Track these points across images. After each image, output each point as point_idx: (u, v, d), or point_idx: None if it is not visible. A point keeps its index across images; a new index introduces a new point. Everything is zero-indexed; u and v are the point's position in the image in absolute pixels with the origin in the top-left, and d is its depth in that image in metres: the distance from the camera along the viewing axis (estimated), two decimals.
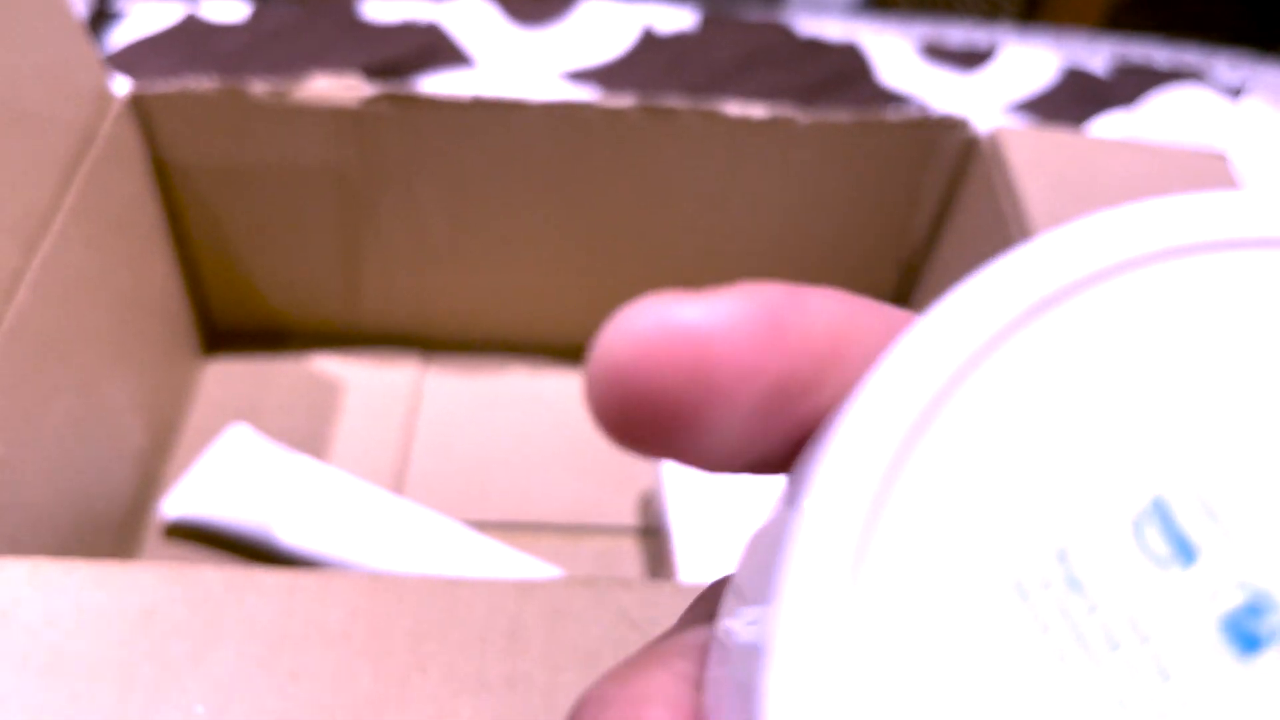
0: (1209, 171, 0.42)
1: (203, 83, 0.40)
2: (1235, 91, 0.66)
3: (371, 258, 0.46)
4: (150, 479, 0.43)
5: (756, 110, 0.41)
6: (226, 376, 0.48)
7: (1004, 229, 0.39)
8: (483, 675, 0.25)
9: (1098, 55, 0.75)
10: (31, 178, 0.35)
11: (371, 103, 0.41)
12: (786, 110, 0.41)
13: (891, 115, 0.41)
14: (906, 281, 0.48)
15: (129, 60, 0.60)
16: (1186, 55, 0.79)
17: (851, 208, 0.44)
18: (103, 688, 0.24)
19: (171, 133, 0.42)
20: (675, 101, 0.41)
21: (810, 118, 0.41)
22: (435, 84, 0.62)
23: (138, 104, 0.40)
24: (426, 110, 0.41)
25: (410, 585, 0.27)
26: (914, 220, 0.45)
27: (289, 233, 0.45)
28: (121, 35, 0.63)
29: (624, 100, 0.41)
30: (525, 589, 0.27)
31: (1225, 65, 0.76)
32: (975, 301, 0.10)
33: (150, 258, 0.43)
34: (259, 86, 0.40)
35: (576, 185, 0.43)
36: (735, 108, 0.41)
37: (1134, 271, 0.10)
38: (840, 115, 0.41)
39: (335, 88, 0.41)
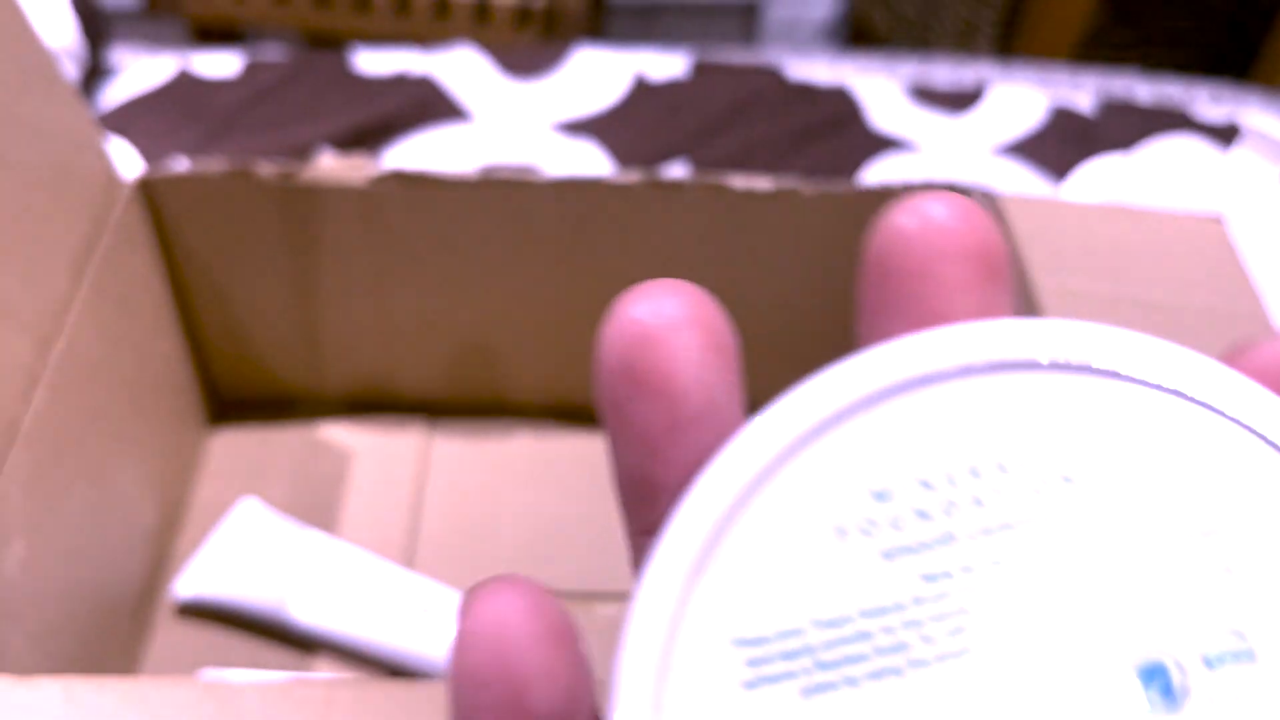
0: (1206, 236, 0.42)
1: (210, 165, 0.40)
2: (1221, 132, 0.67)
3: (376, 328, 0.46)
4: (162, 557, 0.43)
5: (761, 183, 0.41)
6: (234, 447, 0.48)
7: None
8: None
9: (1082, 90, 0.76)
10: (44, 271, 0.35)
11: (379, 182, 0.41)
12: (790, 182, 0.41)
13: (895, 184, 0.42)
14: None
15: (124, 120, 0.60)
16: (1168, 88, 0.80)
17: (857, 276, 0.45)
18: None
19: (180, 215, 0.42)
20: (680, 174, 0.41)
21: (815, 189, 0.42)
22: (432, 140, 0.62)
23: (146, 188, 0.40)
24: (434, 188, 0.41)
25: (440, 690, 0.27)
26: None
27: (295, 307, 0.45)
28: (115, 93, 0.63)
29: (631, 176, 0.41)
30: None
31: (1206, 98, 0.78)
32: (790, 411, 0.12)
33: (158, 337, 0.43)
34: (267, 168, 0.40)
35: (583, 257, 0.44)
36: (740, 181, 0.41)
37: (923, 389, 0.12)
38: (843, 186, 0.42)
39: (343, 168, 0.41)
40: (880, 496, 0.12)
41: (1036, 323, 0.12)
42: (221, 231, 0.42)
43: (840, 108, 0.69)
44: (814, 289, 0.45)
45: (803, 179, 0.42)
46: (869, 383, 0.12)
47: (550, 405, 0.50)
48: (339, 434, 0.49)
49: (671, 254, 0.43)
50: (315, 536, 0.43)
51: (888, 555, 0.12)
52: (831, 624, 0.12)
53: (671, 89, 0.68)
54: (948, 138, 0.67)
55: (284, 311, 0.46)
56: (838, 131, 0.67)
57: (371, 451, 0.49)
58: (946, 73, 0.78)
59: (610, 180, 0.41)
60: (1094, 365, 0.12)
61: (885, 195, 0.42)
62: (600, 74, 0.68)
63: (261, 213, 0.42)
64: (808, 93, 0.70)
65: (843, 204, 0.42)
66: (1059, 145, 0.67)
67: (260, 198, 0.41)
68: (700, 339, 0.13)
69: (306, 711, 0.27)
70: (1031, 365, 0.12)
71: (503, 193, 0.41)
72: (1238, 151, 0.58)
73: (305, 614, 0.41)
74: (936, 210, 0.13)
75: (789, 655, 0.12)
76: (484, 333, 0.47)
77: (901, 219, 0.14)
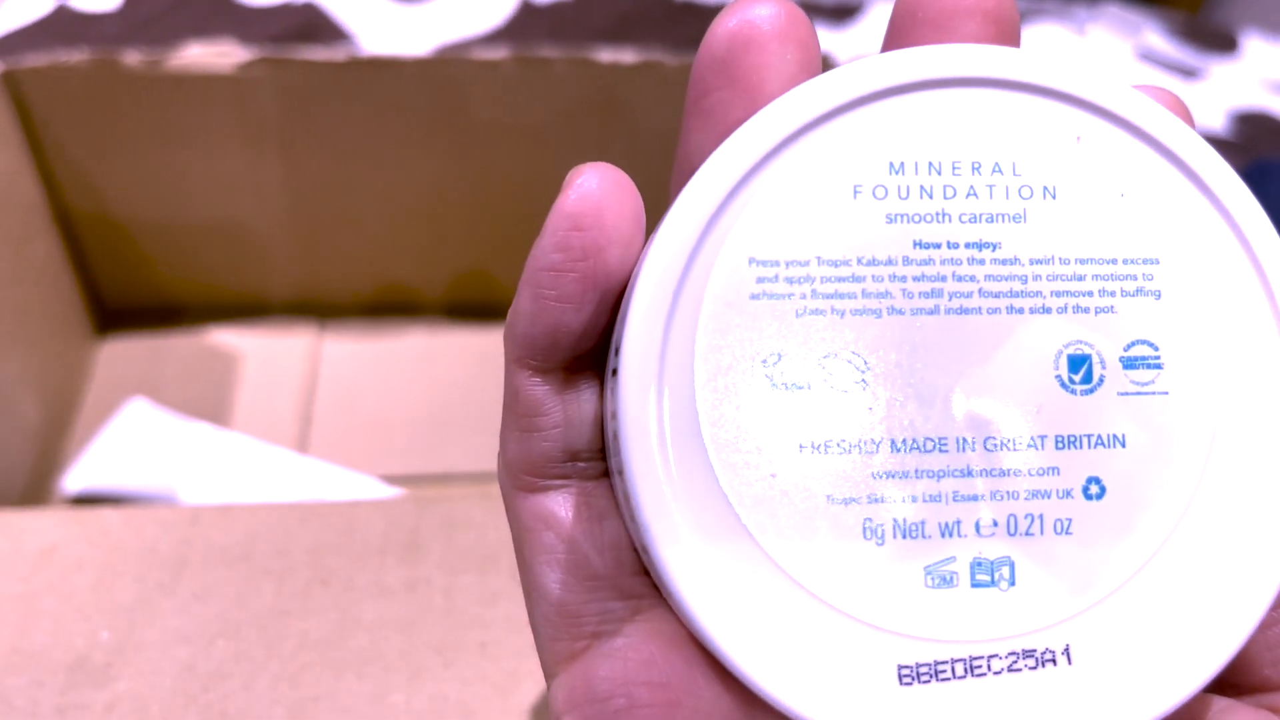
0: None
1: (74, 55, 0.40)
2: (1080, 26, 0.70)
3: (258, 226, 0.47)
4: (48, 457, 0.43)
5: (627, 55, 0.42)
6: (122, 355, 0.48)
7: None
8: (383, 583, 0.26)
9: None
10: None
11: (247, 68, 0.41)
12: (656, 54, 0.43)
13: None
14: None
15: (1, 53, 0.59)
16: (1045, 4, 0.82)
17: None
18: (4, 623, 0.25)
19: (46, 109, 0.41)
20: (548, 51, 0.42)
21: (679, 61, 0.43)
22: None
23: (9, 80, 0.40)
24: (303, 72, 0.41)
25: (310, 509, 0.28)
26: None
27: (172, 205, 0.46)
28: None
29: (498, 52, 0.42)
30: (423, 503, 0.28)
31: (1082, 9, 0.80)
32: (824, 86, 0.14)
33: (32, 236, 0.43)
34: (132, 57, 0.40)
35: (457, 140, 0.44)
36: (606, 54, 0.42)
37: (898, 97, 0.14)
38: None
39: (210, 55, 0.41)
40: (894, 168, 0.14)
41: (1048, 54, 0.15)
42: (92, 127, 0.42)
43: None
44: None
45: (666, 50, 0.43)
46: (899, 74, 0.14)
47: (440, 301, 0.51)
48: (228, 339, 0.49)
49: (543, 131, 0.44)
50: (204, 428, 0.44)
51: (890, 218, 0.14)
52: (833, 264, 0.14)
53: (557, 9, 0.69)
54: (829, 48, 0.69)
55: (161, 210, 0.46)
56: None
57: (261, 354, 0.49)
58: None
59: (477, 58, 0.42)
60: (1084, 98, 0.14)
61: None
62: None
63: (130, 105, 0.42)
64: (692, 9, 0.71)
65: None
66: None
67: (127, 87, 0.41)
68: (796, 54, 0.15)
69: (170, 528, 0.27)
70: (1033, 88, 0.14)
71: (371, 74, 0.42)
72: (1092, 30, 0.61)
73: (197, 499, 0.41)
74: None
75: (792, 280, 0.14)
76: (367, 226, 0.47)
77: None
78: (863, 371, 0.14)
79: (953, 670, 0.13)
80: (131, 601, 0.25)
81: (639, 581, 0.16)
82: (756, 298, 0.14)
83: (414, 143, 0.44)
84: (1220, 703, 0.15)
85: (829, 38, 0.70)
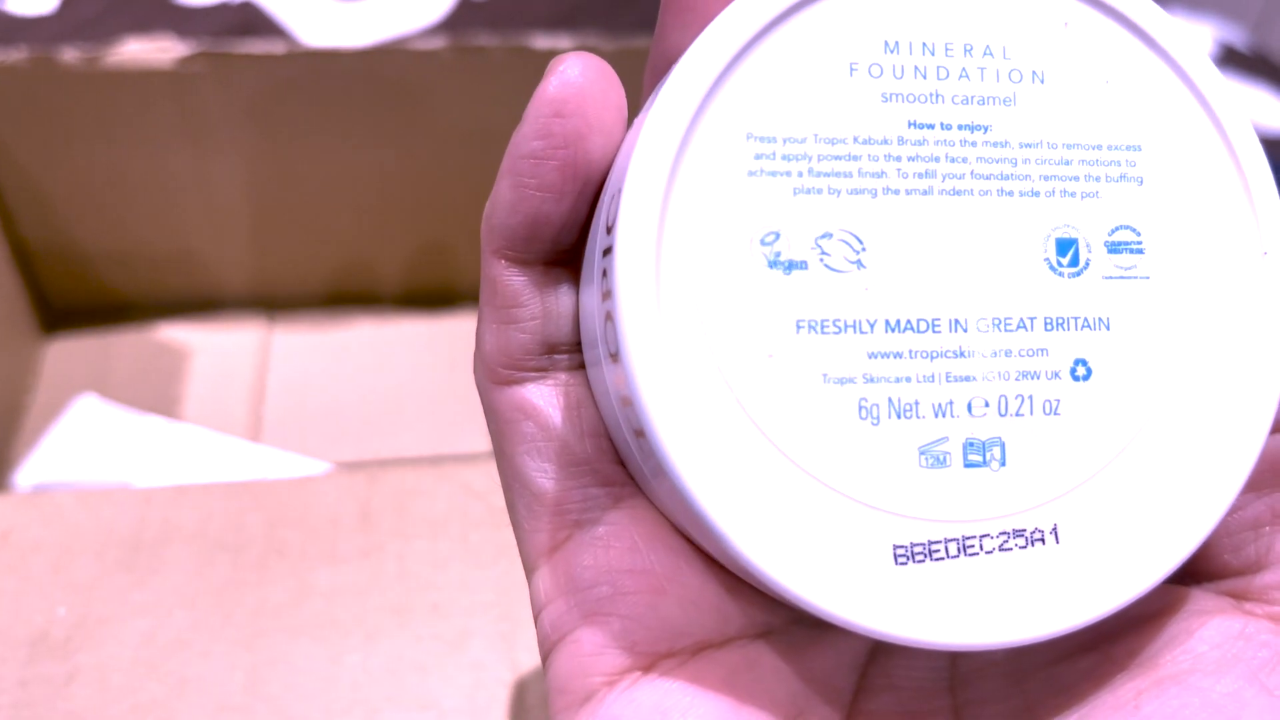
0: None
1: (11, 54, 0.40)
2: None
3: (203, 221, 0.47)
4: None
5: (564, 41, 0.43)
6: (69, 354, 0.49)
7: None
8: (337, 551, 0.27)
9: None
10: None
11: (186, 62, 0.42)
12: (591, 39, 0.43)
13: None
14: None
15: None
16: None
17: None
18: None
19: None
20: (485, 40, 0.43)
21: (615, 44, 0.44)
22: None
23: None
24: (242, 66, 0.42)
25: (264, 486, 0.29)
26: None
27: (116, 202, 0.46)
28: None
29: (436, 42, 0.42)
30: (374, 475, 0.29)
31: None
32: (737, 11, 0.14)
33: None
34: (70, 54, 0.41)
35: (398, 128, 0.45)
36: (543, 41, 0.43)
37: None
38: (643, 42, 0.44)
39: (148, 50, 0.41)
40: (889, 47, 0.14)
41: None
42: (31, 127, 0.43)
43: None
44: None
45: (604, 36, 0.44)
46: None
47: (388, 290, 0.51)
48: (177, 334, 0.50)
49: (482, 119, 0.45)
50: (156, 420, 0.44)
51: (885, 98, 0.14)
52: (829, 142, 0.14)
53: (497, 3, 0.70)
54: None
55: (106, 210, 0.46)
56: None
57: (211, 348, 0.49)
58: None
59: (415, 47, 0.42)
60: None
61: None
62: None
63: (70, 102, 0.42)
64: (632, 1, 0.72)
65: (642, 58, 0.44)
66: None
67: (66, 86, 0.41)
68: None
69: (125, 508, 0.28)
70: None
71: (311, 65, 0.42)
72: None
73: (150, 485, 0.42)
74: None
75: (789, 158, 0.14)
76: (313, 218, 0.48)
77: None
78: (859, 251, 0.14)
79: (946, 550, 0.14)
80: (89, 579, 0.26)
81: (619, 470, 0.16)
82: (754, 174, 0.14)
83: (357, 134, 0.45)
84: (1194, 595, 0.16)
85: None
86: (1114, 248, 0.15)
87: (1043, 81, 0.15)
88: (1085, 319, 0.14)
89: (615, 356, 0.14)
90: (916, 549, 0.14)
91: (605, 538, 0.15)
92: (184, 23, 0.64)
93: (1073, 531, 0.14)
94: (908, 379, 0.14)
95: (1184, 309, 0.15)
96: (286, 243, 0.49)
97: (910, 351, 0.14)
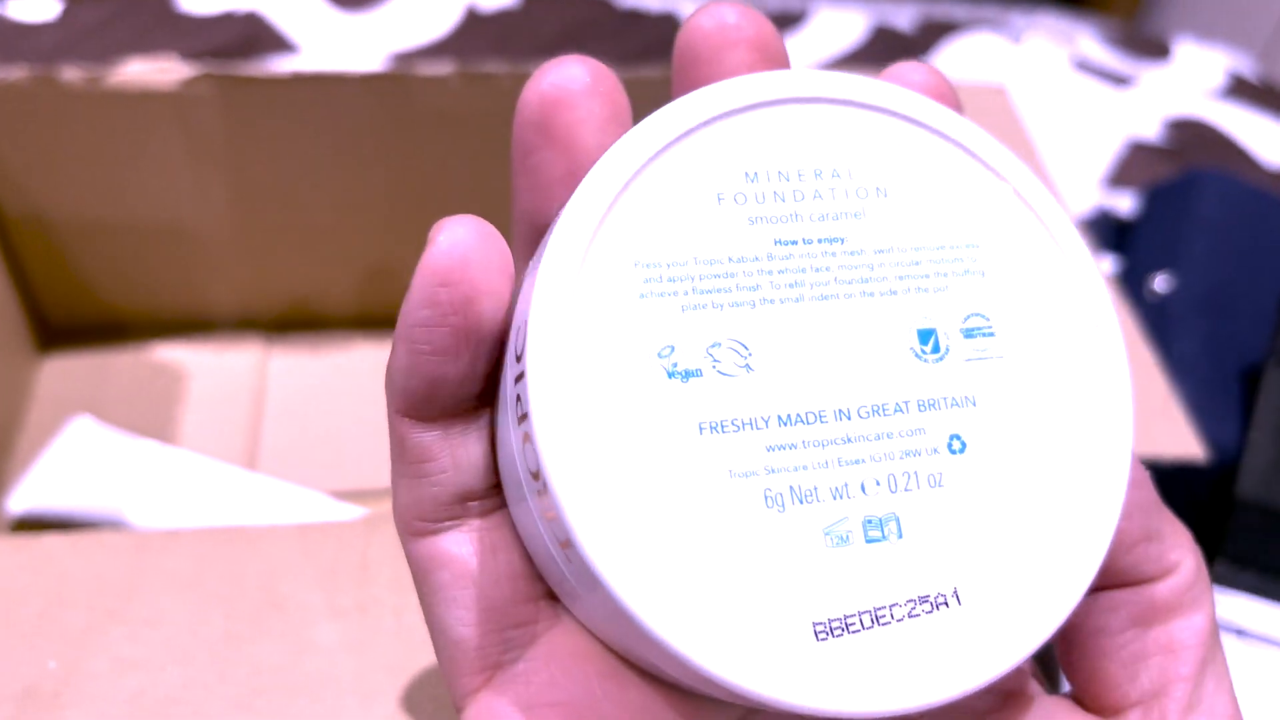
0: (990, 103, 0.45)
1: (12, 72, 0.40)
2: (1014, 35, 0.71)
3: (202, 242, 0.46)
4: None
5: None
6: (64, 373, 0.48)
7: None
8: (336, 605, 0.26)
9: (904, 14, 0.80)
10: None
11: (190, 84, 0.41)
12: None
13: None
14: None
15: None
16: (985, 11, 0.84)
17: None
18: None
19: None
20: (493, 67, 0.42)
21: (625, 75, 0.43)
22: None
23: None
24: (247, 88, 0.41)
25: (260, 534, 0.28)
26: None
27: (115, 222, 0.45)
28: None
29: (443, 68, 0.42)
30: (372, 524, 0.28)
31: (1018, 16, 0.82)
32: (679, 110, 0.16)
33: None
34: (72, 73, 0.40)
35: (403, 155, 0.44)
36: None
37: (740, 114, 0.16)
38: (653, 71, 0.43)
39: (151, 71, 0.41)
40: (750, 177, 0.16)
41: (851, 76, 0.17)
42: (30, 145, 0.42)
43: (670, 31, 0.70)
44: None
45: (612, 64, 0.43)
46: (742, 97, 0.16)
47: (388, 313, 0.51)
48: (173, 355, 0.49)
49: (489, 146, 0.44)
50: (151, 445, 0.43)
51: (752, 220, 0.16)
52: (708, 262, 0.16)
53: (502, 18, 0.69)
54: None
55: (105, 230, 0.45)
56: (667, 54, 0.68)
57: (208, 370, 0.49)
58: (774, 1, 0.81)
59: (422, 74, 0.42)
60: (894, 109, 0.17)
61: None
62: (432, 4, 0.69)
63: (70, 122, 0.41)
64: (637, 18, 0.71)
65: (651, 88, 0.43)
66: (874, 59, 0.70)
67: (67, 104, 0.41)
68: (603, 108, 0.16)
69: (118, 554, 0.27)
70: (852, 103, 0.17)
71: (317, 89, 0.41)
72: (1029, 39, 0.62)
73: (144, 518, 0.41)
74: (728, 14, 0.17)
75: (674, 279, 0.15)
76: (314, 240, 0.47)
77: (700, 20, 0.17)
78: (746, 357, 0.15)
79: (861, 622, 0.15)
80: (79, 630, 0.25)
81: (534, 608, 0.16)
82: (645, 296, 0.15)
83: (361, 158, 0.44)
84: (1102, 601, 0.17)
85: None
86: (969, 333, 0.16)
87: (886, 195, 0.17)
88: (953, 398, 0.16)
89: (536, 475, 0.14)
90: (834, 624, 0.15)
91: (524, 675, 0.16)
92: (187, 35, 0.63)
93: (972, 592, 0.15)
94: (804, 467, 0.15)
95: (1037, 381, 0.16)
96: (287, 265, 0.48)
97: (803, 442, 0.15)
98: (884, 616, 0.15)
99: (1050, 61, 0.69)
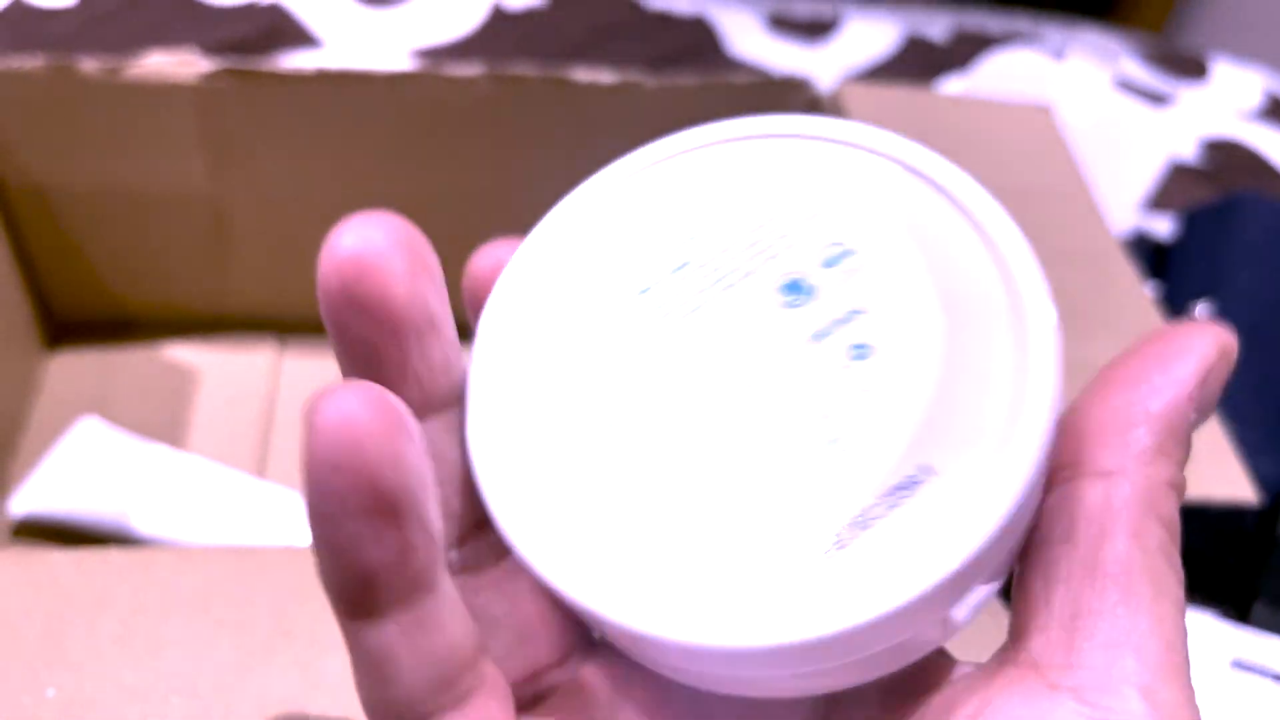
0: (1036, 122, 0.44)
1: (29, 61, 0.39)
2: (1056, 52, 0.70)
3: (218, 239, 0.45)
4: None
5: (604, 76, 0.41)
6: (72, 370, 0.47)
7: None
8: None
9: (936, 24, 0.78)
10: None
11: (211, 78, 0.40)
12: (633, 76, 0.42)
13: (736, 78, 0.42)
14: None
15: None
16: (1018, 23, 0.82)
17: None
18: None
19: None
20: (523, 69, 0.41)
21: (657, 82, 0.42)
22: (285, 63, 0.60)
23: None
24: (270, 85, 0.40)
25: (270, 555, 0.27)
26: None
27: (128, 217, 0.44)
28: None
29: (472, 69, 0.41)
30: None
31: (1053, 30, 0.80)
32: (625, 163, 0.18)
33: None
34: (90, 64, 0.39)
35: (427, 157, 0.43)
36: (584, 74, 0.41)
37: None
38: (686, 80, 0.42)
39: (171, 64, 0.40)
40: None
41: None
42: (45, 135, 0.41)
43: (699, 36, 0.69)
44: None
45: (646, 72, 0.42)
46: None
47: None
48: (184, 354, 0.48)
49: (516, 150, 0.43)
50: (159, 450, 0.42)
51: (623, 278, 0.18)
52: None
53: (529, 17, 0.68)
54: (803, 64, 0.68)
55: (117, 223, 0.44)
56: (697, 58, 0.67)
57: (219, 371, 0.47)
58: (806, 9, 0.79)
59: (451, 74, 0.40)
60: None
61: (726, 89, 0.42)
62: (457, 3, 0.67)
63: (86, 114, 0.40)
64: (666, 21, 0.70)
65: (684, 96, 0.42)
66: (908, 70, 0.69)
67: (84, 96, 0.39)
68: (408, 262, 0.15)
69: (123, 574, 0.26)
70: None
71: (341, 87, 0.40)
72: (1070, 59, 0.60)
73: (150, 524, 0.40)
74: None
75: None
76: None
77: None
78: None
79: (859, 526, 0.14)
80: (80, 655, 0.24)
81: None
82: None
83: (385, 157, 0.43)
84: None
85: (803, 55, 0.69)
86: (830, 261, 0.17)
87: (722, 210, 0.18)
88: (838, 318, 0.16)
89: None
90: (839, 538, 0.14)
91: None
92: (207, 25, 0.62)
93: (942, 463, 0.15)
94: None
95: (919, 270, 0.16)
96: (303, 265, 0.47)
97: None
98: (873, 517, 0.14)
99: (1091, 79, 0.67)
